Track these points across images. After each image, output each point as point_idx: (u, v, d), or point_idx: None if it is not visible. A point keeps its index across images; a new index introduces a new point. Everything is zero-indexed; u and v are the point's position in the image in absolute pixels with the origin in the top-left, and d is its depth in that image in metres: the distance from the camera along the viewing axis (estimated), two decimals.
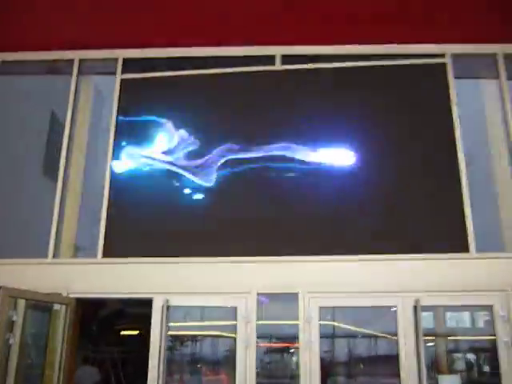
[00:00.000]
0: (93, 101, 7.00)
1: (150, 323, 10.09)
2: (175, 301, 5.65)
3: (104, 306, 10.13)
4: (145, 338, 11.08)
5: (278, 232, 5.96)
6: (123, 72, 6.75)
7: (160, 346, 5.49)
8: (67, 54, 6.85)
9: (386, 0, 5.94)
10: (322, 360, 5.50)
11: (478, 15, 6.13)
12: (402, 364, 5.33)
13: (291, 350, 5.74)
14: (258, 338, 5.53)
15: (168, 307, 5.59)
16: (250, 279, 5.71)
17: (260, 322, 5.57)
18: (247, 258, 5.79)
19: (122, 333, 12.12)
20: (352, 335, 5.82)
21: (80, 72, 6.86)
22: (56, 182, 6.36)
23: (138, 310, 9.39)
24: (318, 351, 5.49)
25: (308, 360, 5.44)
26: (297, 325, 5.54)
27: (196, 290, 5.71)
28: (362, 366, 6.00)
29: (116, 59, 6.79)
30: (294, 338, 5.58)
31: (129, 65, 6.78)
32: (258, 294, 5.62)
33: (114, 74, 6.73)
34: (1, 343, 5.16)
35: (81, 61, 6.88)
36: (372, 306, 5.66)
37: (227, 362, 5.74)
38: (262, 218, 6.01)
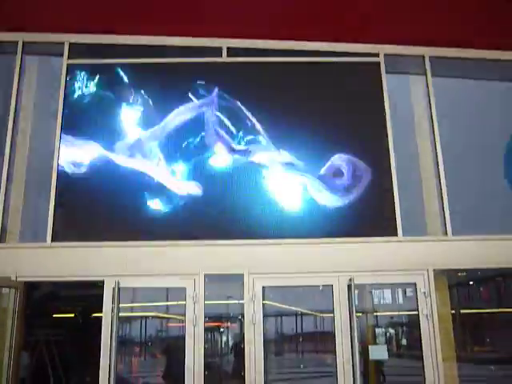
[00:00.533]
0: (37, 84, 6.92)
1: (84, 305, 10.14)
2: (126, 283, 5.88)
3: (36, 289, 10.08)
4: (80, 320, 11.09)
5: (225, 217, 6.30)
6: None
7: (111, 327, 5.71)
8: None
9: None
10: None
11: (410, 19, 6.70)
12: (337, 337, 5.90)
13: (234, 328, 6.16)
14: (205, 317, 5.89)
15: (119, 289, 5.80)
16: (197, 260, 6.03)
17: (207, 302, 5.93)
18: (193, 241, 6.12)
19: (56, 315, 12.04)
20: (292, 314, 6.34)
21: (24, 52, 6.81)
22: None
23: (72, 293, 9.46)
24: (261, 329, 5.94)
25: (253, 337, 5.88)
26: (242, 304, 5.95)
27: (146, 272, 5.96)
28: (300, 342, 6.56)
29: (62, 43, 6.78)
30: (238, 317, 6.01)
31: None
32: (206, 275, 5.97)
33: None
34: None
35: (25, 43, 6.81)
36: (310, 286, 6.21)
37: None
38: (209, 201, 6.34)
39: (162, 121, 6.60)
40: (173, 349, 7.45)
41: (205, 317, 5.90)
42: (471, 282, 7.08)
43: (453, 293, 6.69)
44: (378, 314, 6.62)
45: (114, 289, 5.80)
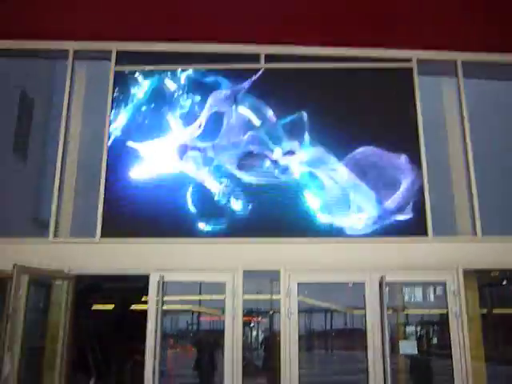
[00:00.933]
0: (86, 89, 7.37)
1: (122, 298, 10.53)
2: (169, 277, 6.27)
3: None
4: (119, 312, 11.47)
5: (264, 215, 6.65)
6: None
7: (156, 318, 6.11)
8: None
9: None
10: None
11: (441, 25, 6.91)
12: (369, 333, 6.17)
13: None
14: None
15: (163, 283, 6.20)
16: (236, 257, 6.38)
17: (246, 297, 6.29)
18: (234, 238, 6.49)
19: (96, 307, 12.56)
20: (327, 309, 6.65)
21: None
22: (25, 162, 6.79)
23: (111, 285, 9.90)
24: (297, 323, 6.26)
25: (288, 331, 6.21)
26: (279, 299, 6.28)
27: (188, 267, 6.35)
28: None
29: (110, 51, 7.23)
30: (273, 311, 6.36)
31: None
32: (245, 271, 6.32)
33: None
34: (19, 315, 5.66)
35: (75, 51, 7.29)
36: (343, 283, 6.52)
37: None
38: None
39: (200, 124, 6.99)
40: (204, 342, 7.90)
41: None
42: (504, 282, 7.22)
43: (484, 292, 6.85)
44: (409, 312, 6.90)
45: (158, 283, 6.20)
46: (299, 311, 6.33)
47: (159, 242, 6.47)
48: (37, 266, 6.00)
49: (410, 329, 6.86)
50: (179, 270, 6.35)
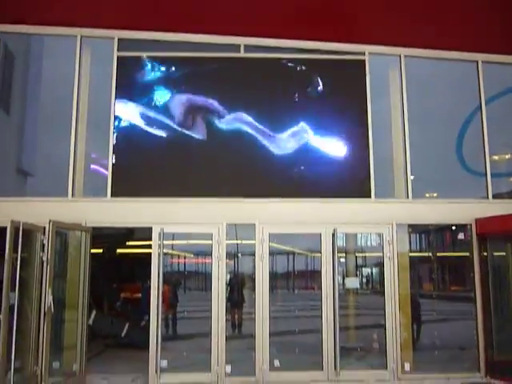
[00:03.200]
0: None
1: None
2: (168, 229, 7.90)
3: None
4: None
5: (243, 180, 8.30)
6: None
7: (159, 261, 7.78)
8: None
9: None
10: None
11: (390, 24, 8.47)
12: (323, 265, 8.04)
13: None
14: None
15: (163, 234, 7.83)
16: (221, 213, 8.06)
17: (228, 242, 8.01)
18: (217, 198, 8.14)
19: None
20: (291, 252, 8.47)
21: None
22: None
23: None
24: (267, 263, 8.07)
25: (261, 268, 8.01)
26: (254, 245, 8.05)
27: (183, 221, 7.99)
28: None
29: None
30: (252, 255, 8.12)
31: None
32: (228, 224, 8.01)
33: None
34: (50, 267, 7.20)
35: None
36: (305, 233, 8.33)
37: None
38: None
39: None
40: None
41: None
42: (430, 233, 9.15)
43: (412, 241, 8.79)
44: (356, 255, 8.84)
45: (159, 233, 7.83)
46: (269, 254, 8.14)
47: (159, 201, 8.06)
48: (61, 220, 7.53)
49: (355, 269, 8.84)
50: (175, 223, 7.99)
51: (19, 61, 8.93)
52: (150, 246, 8.10)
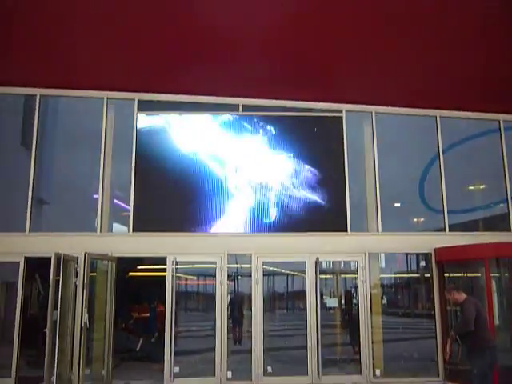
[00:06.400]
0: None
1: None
2: (180, 258, 9.57)
3: None
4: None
5: (242, 218, 10.02)
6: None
7: (172, 286, 9.42)
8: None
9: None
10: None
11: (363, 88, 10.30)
12: (308, 289, 9.70)
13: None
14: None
15: (176, 262, 9.50)
16: (224, 246, 9.74)
17: (229, 266, 9.68)
18: (221, 234, 9.84)
19: None
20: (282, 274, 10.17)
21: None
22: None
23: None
24: (261, 286, 9.73)
25: (256, 291, 9.67)
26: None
27: (191, 251, 9.67)
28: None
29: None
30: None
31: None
32: (229, 254, 9.70)
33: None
34: (86, 291, 8.82)
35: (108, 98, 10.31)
36: (292, 261, 10.03)
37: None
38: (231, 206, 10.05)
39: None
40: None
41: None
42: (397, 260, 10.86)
43: (382, 267, 10.50)
44: (335, 279, 10.53)
45: (173, 262, 9.49)
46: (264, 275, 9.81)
47: (172, 235, 9.75)
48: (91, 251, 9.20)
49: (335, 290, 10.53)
50: (186, 253, 9.66)
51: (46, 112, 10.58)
52: (157, 270, 9.69)
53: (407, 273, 10.84)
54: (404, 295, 10.68)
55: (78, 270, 9.35)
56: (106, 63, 9.41)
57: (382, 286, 10.25)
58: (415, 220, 10.64)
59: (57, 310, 8.55)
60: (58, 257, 8.67)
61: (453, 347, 7.03)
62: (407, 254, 10.58)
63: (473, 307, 6.83)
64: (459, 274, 10.27)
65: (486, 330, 6.89)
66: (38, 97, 10.22)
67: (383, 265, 10.42)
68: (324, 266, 10.32)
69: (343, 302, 10.38)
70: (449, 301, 8.18)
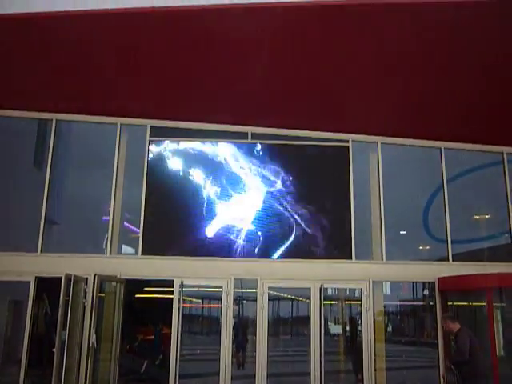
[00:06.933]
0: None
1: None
2: (187, 282, 9.75)
3: None
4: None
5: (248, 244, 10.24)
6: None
7: (178, 309, 9.58)
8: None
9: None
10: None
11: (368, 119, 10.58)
12: (312, 315, 9.81)
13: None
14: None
15: (183, 285, 9.67)
16: (230, 270, 9.92)
17: (235, 290, 9.84)
18: (228, 258, 10.03)
19: None
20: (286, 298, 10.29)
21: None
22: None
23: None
24: (266, 311, 9.87)
25: (261, 316, 9.80)
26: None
27: (198, 275, 9.85)
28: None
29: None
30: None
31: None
32: (235, 279, 9.86)
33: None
34: (94, 311, 8.99)
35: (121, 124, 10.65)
36: (297, 288, 10.16)
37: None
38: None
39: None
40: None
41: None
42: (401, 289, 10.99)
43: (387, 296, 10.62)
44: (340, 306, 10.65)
45: (180, 285, 9.67)
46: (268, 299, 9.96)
47: (180, 259, 9.95)
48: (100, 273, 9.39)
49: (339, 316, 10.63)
50: (193, 277, 9.84)
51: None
52: (163, 292, 9.85)
53: (411, 301, 10.94)
54: (408, 323, 10.78)
55: (87, 290, 9.54)
56: (120, 91, 9.79)
57: (386, 313, 10.36)
58: (420, 248, 10.80)
59: (65, 330, 8.73)
60: (68, 277, 8.88)
61: (450, 376, 7.30)
62: (411, 282, 10.71)
63: (467, 337, 7.14)
64: (462, 303, 10.38)
65: (479, 359, 7.14)
66: (53, 121, 10.57)
67: (387, 292, 10.53)
68: (329, 292, 10.44)
69: (347, 328, 10.46)
70: (443, 329, 8.31)
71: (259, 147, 10.75)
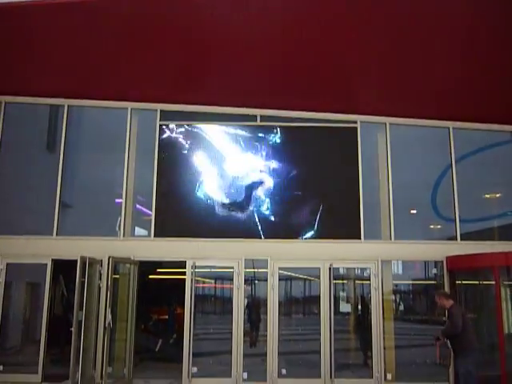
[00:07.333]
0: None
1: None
2: (199, 262, 9.97)
3: None
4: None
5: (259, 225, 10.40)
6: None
7: (191, 289, 9.82)
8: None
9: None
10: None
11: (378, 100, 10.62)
12: (322, 294, 10.02)
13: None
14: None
15: (195, 266, 9.90)
16: (241, 251, 10.12)
17: (246, 270, 10.04)
18: (239, 239, 10.22)
19: None
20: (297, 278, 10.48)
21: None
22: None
23: None
24: (277, 291, 10.07)
25: (272, 295, 10.02)
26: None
27: (211, 256, 10.06)
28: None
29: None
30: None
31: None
32: (246, 259, 10.06)
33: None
34: (109, 292, 9.24)
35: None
36: (307, 267, 10.34)
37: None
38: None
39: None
40: None
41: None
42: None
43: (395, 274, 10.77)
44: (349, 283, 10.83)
45: (192, 266, 9.90)
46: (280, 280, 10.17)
47: (192, 241, 10.16)
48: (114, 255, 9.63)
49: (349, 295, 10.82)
50: (205, 258, 10.06)
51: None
52: (176, 273, 10.10)
53: (420, 280, 11.07)
54: (416, 302, 10.94)
55: (101, 272, 9.81)
56: (131, 76, 9.91)
57: (395, 292, 10.52)
58: (431, 227, 10.90)
59: (82, 310, 9.01)
60: (83, 260, 9.13)
61: (443, 349, 7.72)
62: (420, 261, 10.83)
63: (459, 313, 7.67)
64: (471, 282, 10.50)
65: (470, 333, 7.67)
66: (65, 107, 10.74)
67: (396, 272, 10.68)
68: (340, 271, 10.60)
69: (357, 307, 10.64)
70: (436, 304, 8.56)
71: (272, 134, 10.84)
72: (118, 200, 10.49)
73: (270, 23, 8.51)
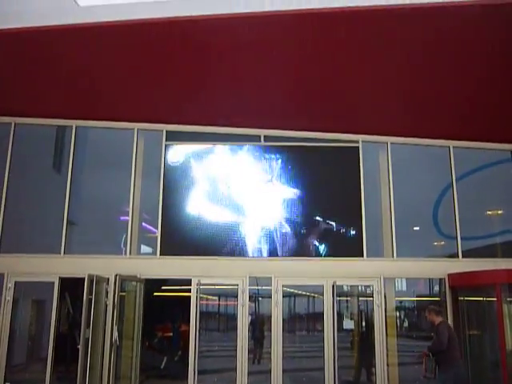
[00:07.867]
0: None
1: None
2: (204, 280, 10.11)
3: None
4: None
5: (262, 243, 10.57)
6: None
7: (196, 306, 9.95)
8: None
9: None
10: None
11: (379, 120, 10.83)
12: (325, 311, 10.13)
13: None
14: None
15: (200, 284, 10.04)
16: (245, 269, 10.27)
17: (250, 287, 10.19)
18: (243, 257, 10.38)
19: None
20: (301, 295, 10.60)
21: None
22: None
23: None
24: (281, 308, 10.19)
25: (276, 313, 10.14)
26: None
27: (215, 274, 10.21)
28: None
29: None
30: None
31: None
32: (250, 277, 10.21)
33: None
34: (116, 310, 9.38)
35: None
36: (310, 285, 10.47)
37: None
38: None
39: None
40: None
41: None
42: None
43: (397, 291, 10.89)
44: (352, 302, 10.94)
45: (197, 284, 10.04)
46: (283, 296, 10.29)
47: (197, 259, 10.32)
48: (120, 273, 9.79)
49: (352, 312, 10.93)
50: (210, 276, 10.21)
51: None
52: (181, 291, 10.22)
53: (423, 296, 11.19)
54: (420, 319, 11.03)
55: (108, 290, 9.96)
56: (137, 99, 10.17)
57: (398, 309, 10.62)
58: (435, 244, 11.05)
59: (89, 328, 9.15)
60: (90, 278, 9.28)
61: (429, 363, 8.24)
62: (422, 279, 10.95)
63: (446, 330, 8.08)
64: (473, 299, 10.59)
65: (456, 350, 8.12)
66: (73, 127, 11.01)
67: (399, 288, 10.80)
68: (343, 288, 10.72)
69: (360, 324, 10.74)
70: (426, 319, 8.80)
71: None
72: (122, 217, 10.68)
73: (273, 48, 8.76)
